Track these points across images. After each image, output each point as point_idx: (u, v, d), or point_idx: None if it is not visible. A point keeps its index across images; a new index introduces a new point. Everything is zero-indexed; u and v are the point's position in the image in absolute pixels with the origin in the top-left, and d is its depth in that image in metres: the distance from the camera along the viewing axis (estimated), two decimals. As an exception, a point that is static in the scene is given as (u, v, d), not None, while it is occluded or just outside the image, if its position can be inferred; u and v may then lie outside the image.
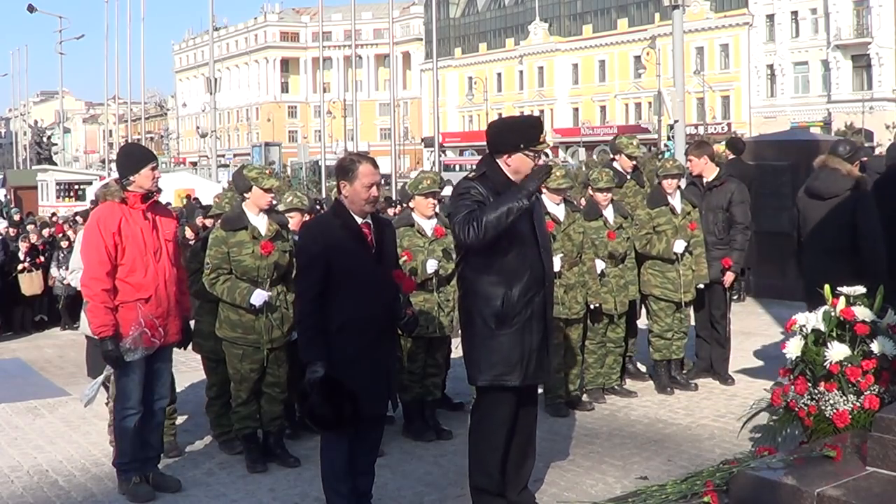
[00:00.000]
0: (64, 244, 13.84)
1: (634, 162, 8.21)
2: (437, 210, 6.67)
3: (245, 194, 5.97)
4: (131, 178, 5.32)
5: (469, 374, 4.88)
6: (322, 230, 4.74)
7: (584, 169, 33.15)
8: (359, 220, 4.68)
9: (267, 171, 6.09)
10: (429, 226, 6.48)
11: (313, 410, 4.51)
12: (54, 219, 19.14)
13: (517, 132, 4.79)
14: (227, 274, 5.89)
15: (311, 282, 4.61)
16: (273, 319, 5.91)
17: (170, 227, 5.56)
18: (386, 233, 4.87)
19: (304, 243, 4.80)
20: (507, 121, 5.36)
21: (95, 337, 5.35)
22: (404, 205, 10.16)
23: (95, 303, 5.22)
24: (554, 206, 6.86)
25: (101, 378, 5.51)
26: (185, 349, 6.08)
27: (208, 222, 8.28)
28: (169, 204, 14.12)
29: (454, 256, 6.46)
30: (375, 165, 4.73)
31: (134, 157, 5.44)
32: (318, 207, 11.98)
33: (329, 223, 4.75)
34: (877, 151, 19.20)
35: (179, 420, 6.74)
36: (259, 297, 5.80)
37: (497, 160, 4.76)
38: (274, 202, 6.18)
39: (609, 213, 7.32)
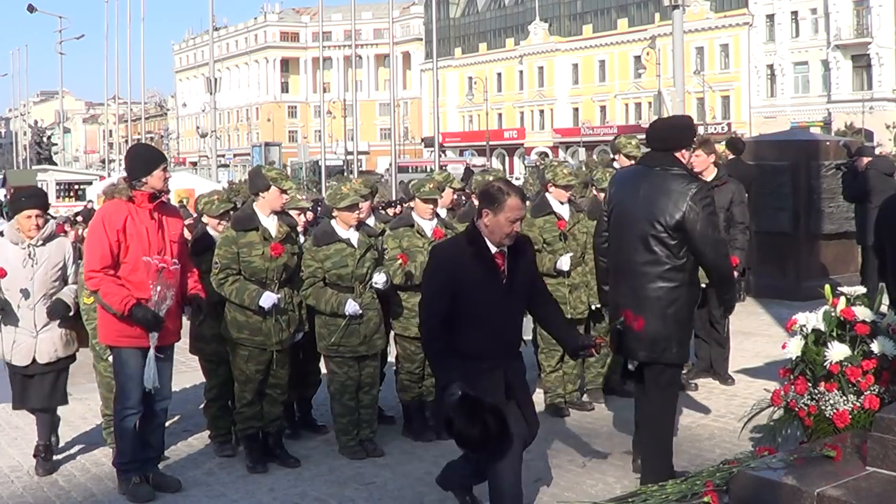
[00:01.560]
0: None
1: (633, 162, 8.19)
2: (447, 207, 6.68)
3: (261, 194, 5.92)
4: (144, 180, 5.33)
5: (664, 352, 5.05)
6: (452, 257, 4.53)
7: (584, 169, 33.17)
8: (493, 250, 4.47)
9: (285, 174, 6.12)
10: (429, 227, 6.48)
11: (460, 434, 4.26)
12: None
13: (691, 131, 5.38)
14: (235, 275, 5.87)
15: (435, 311, 4.46)
16: (281, 321, 5.90)
17: (176, 228, 5.55)
18: (523, 256, 4.60)
19: (432, 270, 4.59)
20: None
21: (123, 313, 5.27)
22: (404, 204, 10.15)
23: (105, 286, 5.23)
24: (559, 206, 6.90)
25: (150, 354, 5.38)
26: (197, 323, 5.99)
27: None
28: (181, 203, 14.12)
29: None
30: (524, 199, 4.50)
31: (146, 159, 5.44)
32: (318, 207, 11.97)
33: (461, 250, 4.51)
34: (877, 151, 19.17)
35: (183, 422, 6.75)
36: (268, 299, 5.78)
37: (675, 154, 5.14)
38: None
39: (611, 212, 7.33)
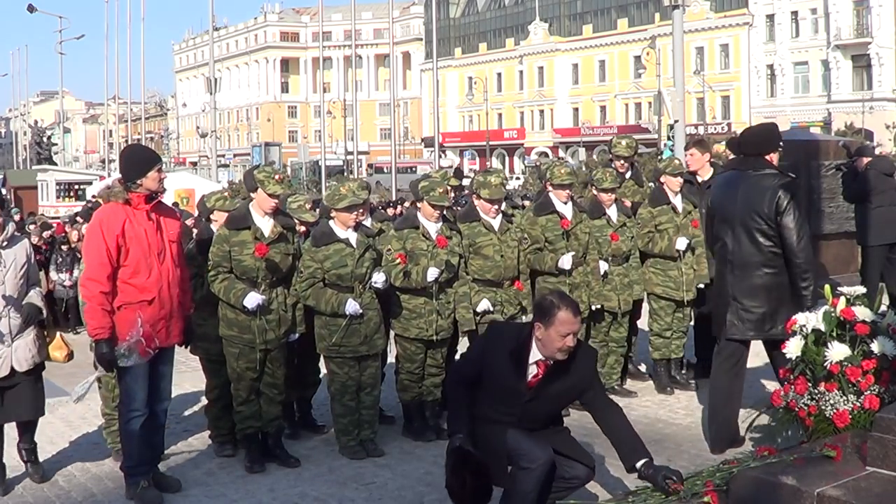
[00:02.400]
0: (64, 248, 13.81)
1: (622, 161, 8.20)
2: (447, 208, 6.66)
3: (252, 194, 5.95)
4: (139, 182, 5.30)
5: (770, 331, 5.64)
6: (497, 340, 4.56)
7: (584, 169, 33.17)
8: (537, 356, 4.43)
9: (276, 176, 5.92)
10: (433, 229, 6.47)
11: (445, 480, 4.45)
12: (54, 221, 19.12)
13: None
14: (226, 273, 5.88)
15: (462, 372, 4.65)
16: (268, 322, 5.88)
17: (174, 228, 5.53)
18: (572, 371, 4.47)
19: (478, 340, 4.75)
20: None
21: (91, 338, 5.33)
22: (408, 204, 10.13)
23: (93, 304, 5.20)
24: (561, 205, 6.92)
25: (93, 377, 5.49)
26: (185, 347, 6.07)
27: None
28: (176, 204, 14.11)
29: (457, 264, 6.49)
30: (577, 313, 4.37)
31: (141, 161, 5.39)
32: (317, 208, 11.94)
33: (507, 341, 4.50)
34: (877, 151, 19.13)
35: (183, 422, 6.74)
36: (252, 299, 5.77)
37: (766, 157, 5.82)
38: (280, 207, 6.11)
39: (612, 212, 7.34)
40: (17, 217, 22.16)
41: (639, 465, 4.49)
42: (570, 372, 4.47)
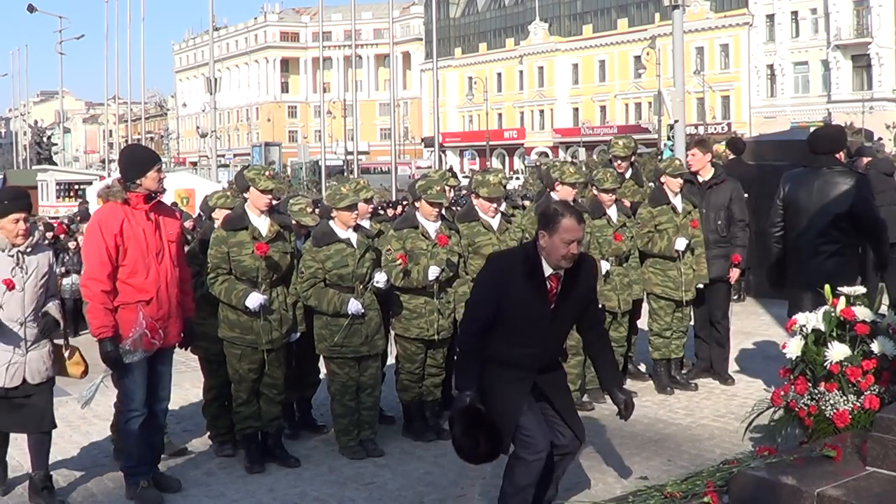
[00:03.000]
0: (71, 245, 13.73)
1: (620, 161, 8.19)
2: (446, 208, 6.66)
3: (244, 194, 5.97)
4: (138, 182, 5.29)
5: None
6: (505, 270, 4.47)
7: (583, 169, 33.15)
8: (548, 271, 4.41)
9: (266, 173, 5.98)
10: (432, 228, 6.47)
11: (454, 440, 4.39)
12: (55, 222, 19.11)
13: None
14: (226, 274, 5.88)
15: (477, 316, 4.45)
16: (271, 321, 5.89)
17: (173, 228, 5.52)
18: (580, 277, 4.48)
19: (482, 277, 4.58)
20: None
21: (94, 337, 5.33)
22: (407, 203, 10.12)
23: (95, 303, 5.20)
24: None
25: (99, 379, 5.46)
26: (186, 349, 6.07)
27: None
28: (174, 204, 14.08)
29: (457, 263, 6.49)
30: (581, 220, 4.40)
31: (140, 161, 5.39)
32: (316, 208, 11.94)
33: (515, 265, 4.45)
34: (880, 154, 19.09)
35: (183, 422, 6.74)
36: (255, 300, 5.77)
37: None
38: (274, 203, 6.14)
39: (612, 212, 7.34)
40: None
41: (611, 390, 4.69)
42: (578, 282, 4.48)
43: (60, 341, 5.56)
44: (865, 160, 10.45)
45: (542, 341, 4.44)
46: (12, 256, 5.23)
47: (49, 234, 14.80)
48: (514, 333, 4.39)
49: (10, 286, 5.17)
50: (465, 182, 17.94)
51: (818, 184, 6.51)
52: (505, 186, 7.31)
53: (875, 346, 4.97)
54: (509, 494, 4.49)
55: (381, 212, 14.37)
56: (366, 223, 6.76)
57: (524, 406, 4.43)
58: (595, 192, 7.40)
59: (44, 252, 5.48)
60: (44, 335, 5.38)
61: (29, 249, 5.30)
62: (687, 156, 8.23)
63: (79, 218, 20.73)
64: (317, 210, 7.09)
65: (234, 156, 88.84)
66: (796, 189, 6.63)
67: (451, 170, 14.31)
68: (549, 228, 4.36)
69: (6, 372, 5.25)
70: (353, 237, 6.12)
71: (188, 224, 9.14)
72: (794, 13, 62.13)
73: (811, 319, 5.18)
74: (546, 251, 4.38)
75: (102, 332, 5.18)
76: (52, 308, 5.40)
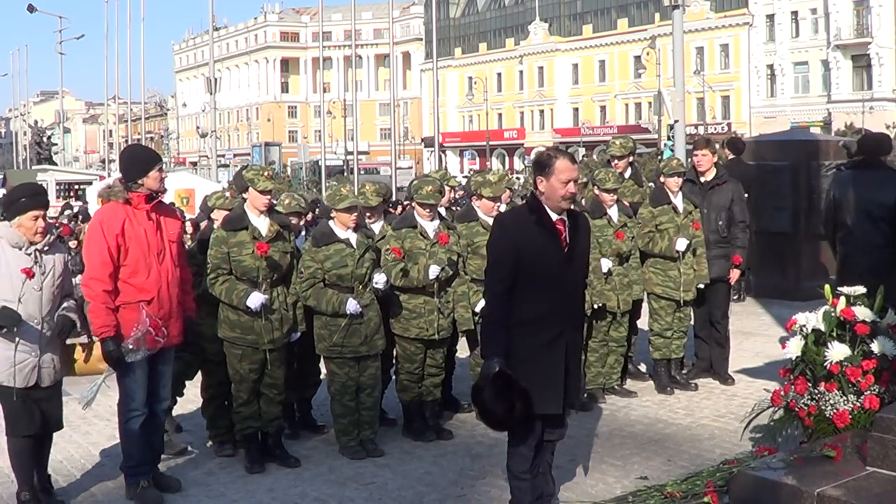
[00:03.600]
0: (72, 243, 13.70)
1: (617, 161, 8.19)
2: (445, 209, 6.66)
3: (244, 194, 5.97)
4: (140, 182, 5.30)
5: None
6: (515, 225, 4.64)
7: (584, 169, 33.17)
8: (554, 217, 4.57)
9: (265, 173, 5.98)
10: (431, 228, 6.47)
11: (484, 406, 4.45)
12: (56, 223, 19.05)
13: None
14: (226, 274, 5.88)
15: (500, 277, 4.53)
16: (272, 321, 5.89)
17: (174, 228, 5.53)
18: (581, 228, 4.71)
19: (496, 238, 4.70)
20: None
21: (96, 337, 5.32)
22: (405, 203, 10.12)
23: (96, 303, 5.20)
24: None
25: (100, 379, 5.45)
26: (187, 349, 6.06)
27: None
28: (172, 204, 14.06)
29: (456, 262, 6.49)
30: (573, 161, 4.61)
31: (142, 161, 5.39)
32: (317, 208, 11.94)
33: (523, 218, 4.63)
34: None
35: (183, 422, 6.73)
36: (256, 300, 5.78)
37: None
38: (273, 203, 6.14)
39: (613, 212, 7.34)
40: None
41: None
42: (579, 230, 4.68)
43: (77, 340, 5.47)
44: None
45: (561, 288, 4.55)
46: (30, 255, 5.14)
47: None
48: (536, 287, 4.49)
49: (29, 274, 5.08)
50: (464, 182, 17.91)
51: (865, 184, 6.96)
52: (504, 182, 7.32)
53: (875, 346, 4.97)
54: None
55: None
56: (377, 227, 6.76)
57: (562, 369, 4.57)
58: (596, 191, 7.41)
59: (60, 252, 5.42)
60: (61, 336, 5.32)
61: (46, 248, 5.21)
62: (695, 156, 8.21)
63: (80, 217, 20.73)
64: (318, 209, 7.09)
65: (234, 156, 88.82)
66: (844, 190, 7.05)
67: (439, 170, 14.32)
68: (545, 173, 4.53)
69: (24, 372, 5.15)
70: (353, 237, 6.12)
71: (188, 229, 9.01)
72: (794, 13, 62.11)
73: (811, 319, 5.19)
74: (546, 195, 4.54)
75: (104, 332, 5.18)
76: (70, 308, 5.32)
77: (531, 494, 4.66)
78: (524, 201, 4.85)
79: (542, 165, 4.57)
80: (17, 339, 5.09)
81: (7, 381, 5.12)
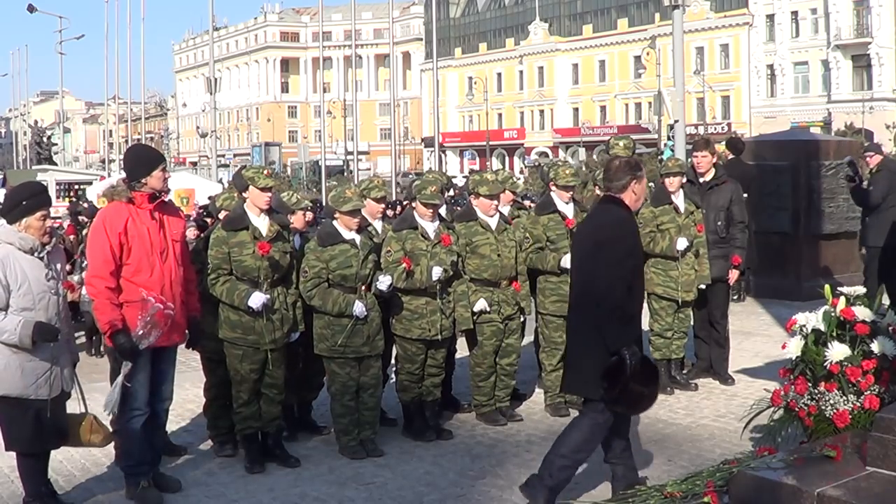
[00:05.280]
0: (71, 238, 13.66)
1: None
2: (444, 212, 6.68)
3: (244, 193, 5.97)
4: (143, 181, 5.31)
5: None
6: (630, 223, 5.05)
7: (584, 169, 33.17)
8: None
9: (265, 172, 6.01)
10: (431, 228, 6.47)
11: (631, 391, 4.71)
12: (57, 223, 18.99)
13: None
14: (227, 275, 5.88)
15: (624, 273, 4.83)
16: (273, 321, 5.90)
17: (177, 227, 5.54)
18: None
19: (618, 238, 4.91)
20: None
21: (105, 333, 5.31)
22: (405, 203, 10.11)
23: (101, 300, 5.20)
24: (563, 205, 6.93)
25: (120, 380, 5.29)
26: (191, 349, 6.06)
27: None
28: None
29: (456, 262, 6.50)
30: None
31: (145, 160, 5.41)
32: (318, 207, 11.92)
33: (628, 219, 5.02)
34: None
35: (183, 422, 6.73)
36: (257, 299, 5.78)
37: None
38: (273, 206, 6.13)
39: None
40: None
41: None
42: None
43: (75, 412, 5.31)
44: (875, 158, 10.40)
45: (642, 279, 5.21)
46: (42, 259, 5.05)
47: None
48: (638, 283, 5.01)
49: (72, 289, 5.11)
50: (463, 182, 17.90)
51: None
52: (501, 181, 7.31)
53: (875, 346, 4.97)
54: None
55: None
56: (378, 224, 6.75)
57: None
58: (598, 191, 7.41)
59: (59, 251, 5.40)
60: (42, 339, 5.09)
61: (49, 249, 5.12)
62: (695, 157, 8.22)
63: (83, 216, 20.68)
64: (320, 209, 7.09)
65: (234, 156, 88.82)
66: None
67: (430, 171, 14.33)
68: (639, 174, 4.98)
69: (54, 381, 5.05)
70: (357, 238, 6.13)
71: (191, 234, 8.77)
72: (794, 13, 62.10)
73: (811, 319, 5.19)
74: (637, 196, 5.00)
75: (113, 326, 5.18)
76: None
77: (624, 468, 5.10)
78: (608, 207, 5.03)
79: (637, 167, 5.02)
80: (41, 351, 4.99)
81: (33, 394, 5.00)
